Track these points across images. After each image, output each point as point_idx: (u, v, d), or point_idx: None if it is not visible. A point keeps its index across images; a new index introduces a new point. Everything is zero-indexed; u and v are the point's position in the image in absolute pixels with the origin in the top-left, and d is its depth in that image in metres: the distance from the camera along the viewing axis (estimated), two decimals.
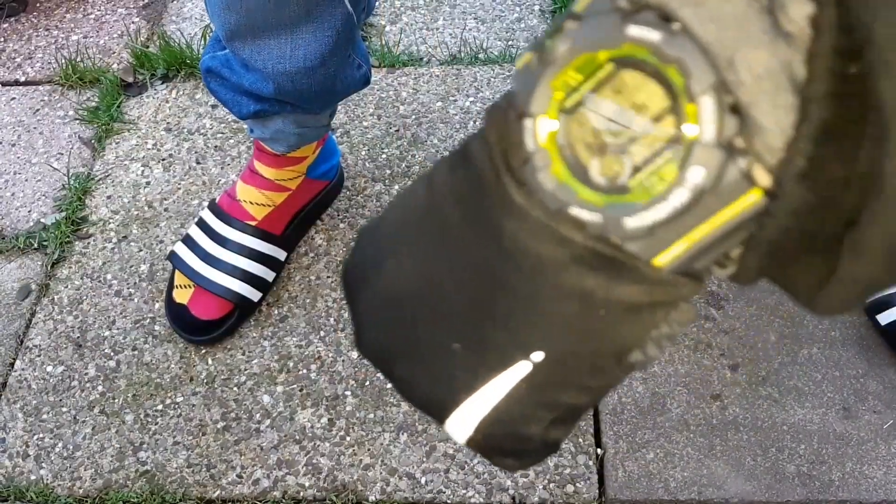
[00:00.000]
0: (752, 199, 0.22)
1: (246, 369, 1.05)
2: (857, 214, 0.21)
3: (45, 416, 1.03)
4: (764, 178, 0.21)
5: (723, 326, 1.06)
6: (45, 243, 1.19)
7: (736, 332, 1.05)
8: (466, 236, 0.26)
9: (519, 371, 0.26)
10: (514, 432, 0.27)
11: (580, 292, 0.24)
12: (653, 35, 0.21)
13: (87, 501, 0.96)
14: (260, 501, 0.95)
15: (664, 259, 0.23)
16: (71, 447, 1.00)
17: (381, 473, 0.96)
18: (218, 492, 0.96)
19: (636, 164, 0.22)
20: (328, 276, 1.12)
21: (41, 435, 1.02)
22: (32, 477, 0.98)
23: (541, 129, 0.24)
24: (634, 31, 0.21)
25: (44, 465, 0.99)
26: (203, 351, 1.07)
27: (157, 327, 1.09)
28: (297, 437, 0.99)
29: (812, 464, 0.94)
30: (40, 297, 1.14)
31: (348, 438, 0.98)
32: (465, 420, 0.27)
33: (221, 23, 0.85)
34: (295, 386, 1.03)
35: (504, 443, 0.28)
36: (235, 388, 1.04)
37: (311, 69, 0.85)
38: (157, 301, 1.11)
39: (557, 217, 0.24)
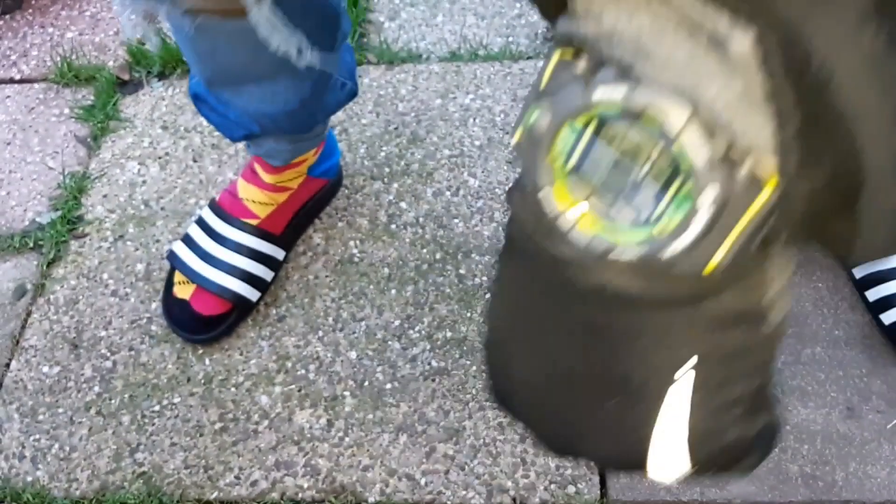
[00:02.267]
0: (765, 196, 0.23)
1: (243, 370, 1.04)
2: (851, 192, 0.23)
3: (41, 417, 1.02)
4: (769, 177, 0.23)
5: None
6: (40, 243, 1.18)
7: None
8: (557, 311, 0.27)
9: (685, 384, 0.27)
10: (720, 445, 0.28)
11: (677, 312, 0.26)
12: (616, 92, 0.23)
13: (83, 503, 0.95)
14: (258, 503, 0.94)
15: (712, 266, 0.25)
16: (67, 448, 1.00)
17: (380, 474, 0.95)
18: (215, 493, 0.95)
19: (649, 202, 0.24)
20: (326, 276, 1.11)
21: (37, 436, 1.01)
22: (28, 478, 0.98)
23: (554, 196, 0.25)
24: (599, 94, 0.23)
25: (40, 466, 0.98)
26: (200, 351, 1.06)
27: (153, 327, 1.09)
28: (296, 438, 0.98)
29: (815, 464, 0.93)
30: (36, 296, 1.13)
31: (347, 439, 0.97)
32: (669, 458, 0.28)
33: (198, 71, 0.85)
34: (293, 386, 1.02)
35: (719, 459, 0.29)
36: (233, 389, 1.03)
37: (291, 112, 0.86)
38: (154, 301, 1.10)
39: (603, 264, 0.25)
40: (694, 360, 0.27)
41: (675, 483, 0.28)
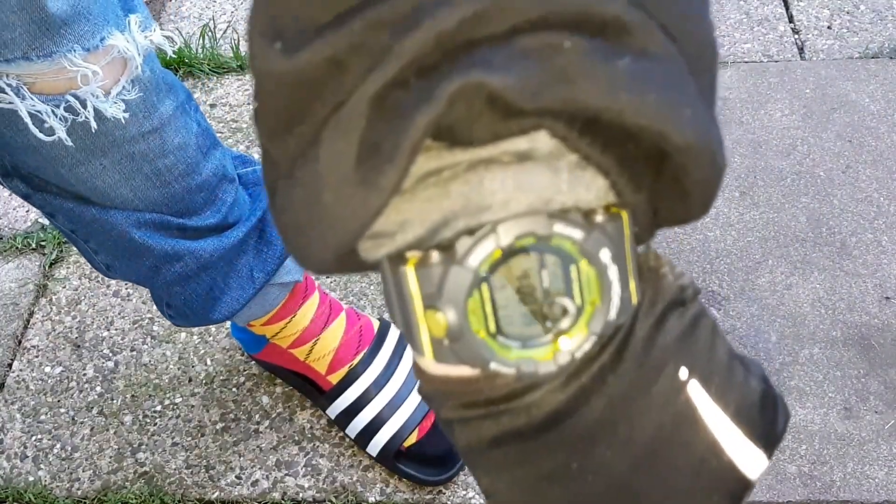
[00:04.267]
0: (626, 223, 0.26)
1: (245, 370, 1.05)
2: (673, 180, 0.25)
3: (43, 417, 1.03)
4: (619, 211, 0.25)
5: (723, 326, 1.05)
6: (42, 243, 1.19)
7: (737, 331, 1.05)
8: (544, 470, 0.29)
9: (694, 387, 0.28)
10: (755, 407, 0.29)
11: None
12: (486, 248, 0.24)
13: (85, 503, 0.96)
14: (259, 502, 0.95)
15: (636, 297, 0.27)
16: (69, 448, 1.00)
17: (380, 474, 0.95)
18: (217, 493, 0.95)
19: (561, 301, 0.26)
20: (327, 276, 1.12)
21: (39, 436, 1.01)
22: (31, 478, 0.98)
23: (498, 357, 0.26)
24: (474, 259, 0.25)
25: (42, 466, 0.99)
26: (202, 352, 1.07)
27: (155, 328, 1.09)
28: (297, 438, 0.99)
29: (813, 464, 0.94)
30: (38, 297, 1.14)
31: (348, 439, 0.98)
32: (744, 453, 0.29)
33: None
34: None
35: (766, 426, 0.30)
36: (234, 389, 1.03)
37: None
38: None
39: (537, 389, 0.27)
40: (682, 371, 0.27)
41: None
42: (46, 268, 1.16)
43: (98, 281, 1.14)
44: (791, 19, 1.44)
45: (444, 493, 0.94)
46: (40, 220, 1.22)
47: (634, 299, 0.27)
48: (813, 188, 1.19)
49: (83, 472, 0.98)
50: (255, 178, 0.85)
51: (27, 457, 1.00)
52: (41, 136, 0.62)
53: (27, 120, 0.61)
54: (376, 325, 0.98)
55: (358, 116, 0.22)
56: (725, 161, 0.25)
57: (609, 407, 0.27)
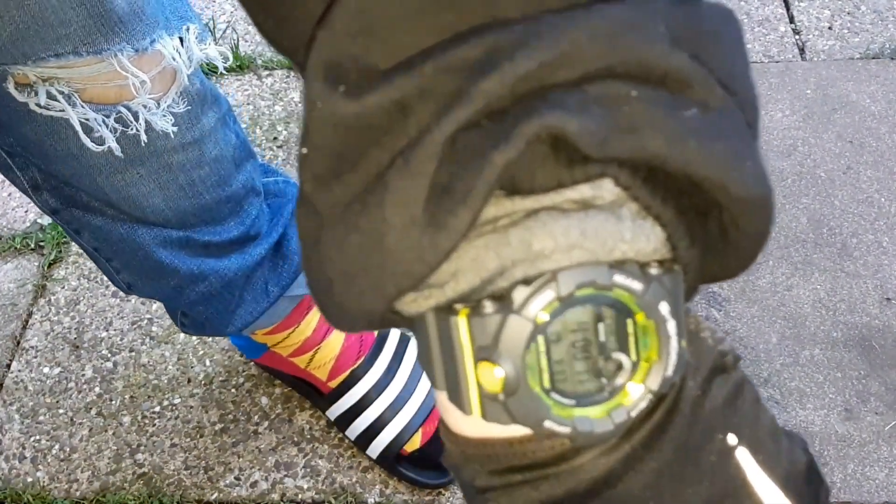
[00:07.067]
0: (679, 277, 0.25)
1: (244, 371, 1.04)
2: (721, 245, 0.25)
3: (41, 418, 1.02)
4: (673, 263, 0.25)
5: (724, 327, 1.05)
6: (41, 244, 1.19)
7: (737, 332, 1.05)
8: None
9: (742, 453, 0.28)
10: (803, 476, 0.29)
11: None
12: (545, 298, 0.23)
13: (83, 503, 0.96)
14: None
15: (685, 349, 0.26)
16: (68, 449, 1.00)
17: (379, 476, 0.95)
18: (216, 494, 0.95)
19: (614, 360, 0.25)
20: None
21: (38, 437, 1.01)
22: (29, 479, 0.98)
23: (555, 416, 0.25)
24: (532, 311, 0.24)
25: (40, 467, 0.99)
26: (201, 352, 1.06)
27: (154, 328, 1.09)
28: (296, 439, 0.98)
29: None
30: (37, 297, 1.14)
31: (347, 440, 0.98)
32: None
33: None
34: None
35: (808, 490, 0.29)
36: (233, 390, 1.03)
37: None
38: (154, 302, 1.11)
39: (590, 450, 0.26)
40: (731, 437, 0.26)
41: None
42: (45, 268, 1.16)
43: (97, 281, 1.14)
44: (792, 20, 1.44)
45: (444, 495, 0.93)
46: (39, 220, 1.22)
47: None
48: (814, 189, 1.19)
49: (82, 472, 0.98)
50: (275, 189, 0.85)
51: (25, 457, 1.00)
52: (91, 145, 0.62)
53: (77, 128, 0.60)
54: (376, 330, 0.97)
55: (429, 158, 0.22)
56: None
57: (658, 473, 0.26)
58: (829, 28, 1.41)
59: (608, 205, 0.23)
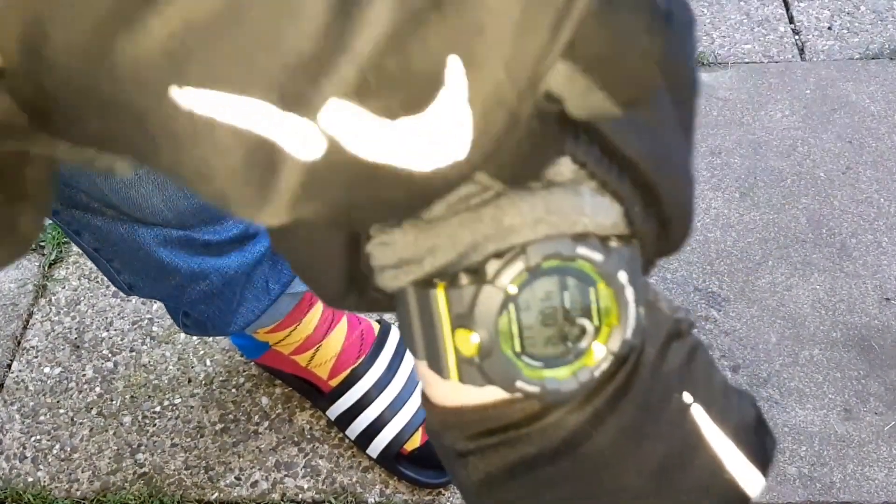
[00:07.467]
0: (637, 250, 0.27)
1: (244, 371, 1.04)
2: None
3: (42, 418, 1.03)
4: (631, 237, 0.27)
5: (723, 328, 1.05)
6: (42, 244, 1.19)
7: (737, 333, 1.05)
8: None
9: (697, 410, 0.30)
10: (750, 428, 0.31)
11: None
12: (515, 269, 0.25)
13: (84, 503, 0.96)
14: (258, 503, 0.95)
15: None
16: (68, 449, 1.00)
17: (379, 475, 0.95)
18: (216, 494, 0.95)
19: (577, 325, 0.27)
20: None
21: (38, 437, 1.01)
22: (30, 479, 0.98)
23: (524, 374, 0.27)
24: (504, 280, 0.26)
25: (41, 466, 0.99)
26: (201, 352, 1.07)
27: (154, 328, 1.09)
28: (296, 439, 0.99)
29: (813, 465, 0.94)
30: (37, 297, 1.14)
31: (347, 440, 0.98)
32: (743, 470, 0.30)
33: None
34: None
35: (758, 446, 0.31)
36: (234, 390, 1.03)
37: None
38: (155, 302, 1.11)
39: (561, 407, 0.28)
40: (686, 396, 0.28)
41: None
42: (46, 268, 1.16)
43: (97, 281, 1.14)
44: (791, 20, 1.44)
45: (444, 495, 0.94)
46: None
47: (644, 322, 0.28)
48: (813, 189, 1.19)
49: (82, 472, 0.98)
50: None
51: (26, 457, 1.00)
52: None
53: None
54: (376, 328, 0.98)
55: None
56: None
57: (622, 430, 0.28)
58: (829, 28, 1.41)
59: (568, 182, 0.25)
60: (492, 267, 0.25)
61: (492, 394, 0.28)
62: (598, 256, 0.25)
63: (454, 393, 0.29)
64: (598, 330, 0.26)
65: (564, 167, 0.25)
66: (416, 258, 0.26)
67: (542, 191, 0.25)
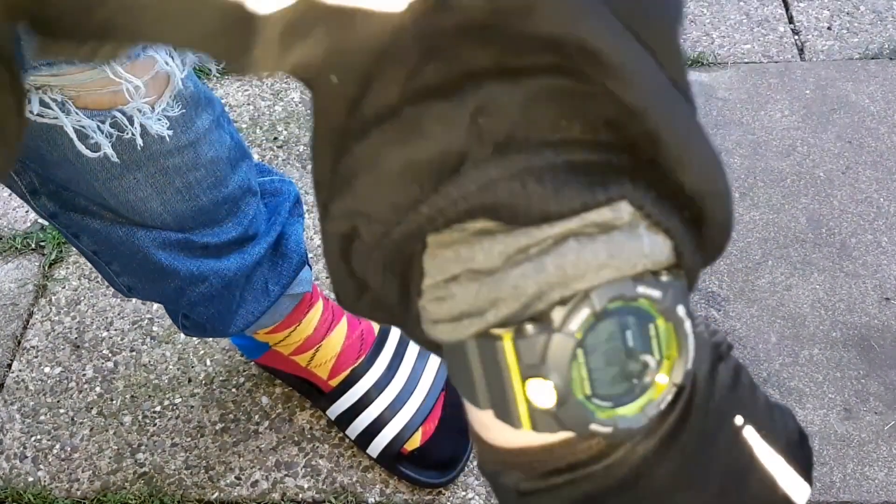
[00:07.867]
0: (683, 282, 0.27)
1: (244, 370, 1.05)
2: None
3: (42, 418, 1.03)
4: (679, 269, 0.27)
5: (723, 327, 1.05)
6: (42, 244, 1.19)
7: (736, 332, 1.05)
8: None
9: (748, 430, 0.31)
10: (799, 447, 0.32)
11: None
12: (581, 315, 0.26)
13: (84, 503, 0.96)
14: (258, 503, 0.95)
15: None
16: (69, 449, 1.00)
17: (380, 475, 0.95)
18: (216, 493, 0.95)
19: (639, 362, 0.27)
20: (326, 277, 1.12)
21: (38, 436, 1.01)
22: (30, 479, 0.98)
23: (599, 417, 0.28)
24: (574, 326, 0.26)
25: (41, 466, 0.99)
26: (201, 352, 1.07)
27: (155, 328, 1.09)
28: (296, 439, 0.99)
29: (813, 465, 0.94)
30: (38, 297, 1.14)
31: (347, 440, 0.98)
32: (794, 485, 0.31)
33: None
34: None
35: (804, 460, 0.32)
36: (234, 390, 1.03)
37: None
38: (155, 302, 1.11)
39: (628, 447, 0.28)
40: (738, 418, 0.29)
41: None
42: (46, 268, 1.16)
43: (97, 281, 1.14)
44: (791, 20, 1.44)
45: (444, 494, 0.94)
46: (40, 220, 1.22)
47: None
48: (813, 189, 1.19)
49: (82, 472, 0.98)
50: (272, 188, 0.85)
51: (26, 457, 1.00)
52: (86, 151, 0.61)
53: (72, 136, 0.60)
54: (376, 328, 0.98)
55: None
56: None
57: (683, 458, 0.28)
58: (829, 28, 1.41)
59: (626, 225, 0.25)
60: (558, 314, 0.25)
61: (558, 435, 0.28)
62: (657, 293, 0.26)
63: (517, 436, 0.29)
64: (659, 364, 0.27)
65: (623, 211, 0.25)
66: (477, 311, 0.26)
67: (601, 235, 0.25)
